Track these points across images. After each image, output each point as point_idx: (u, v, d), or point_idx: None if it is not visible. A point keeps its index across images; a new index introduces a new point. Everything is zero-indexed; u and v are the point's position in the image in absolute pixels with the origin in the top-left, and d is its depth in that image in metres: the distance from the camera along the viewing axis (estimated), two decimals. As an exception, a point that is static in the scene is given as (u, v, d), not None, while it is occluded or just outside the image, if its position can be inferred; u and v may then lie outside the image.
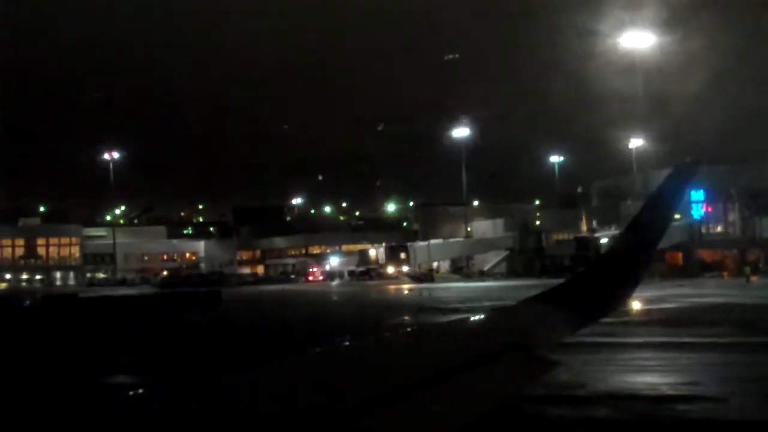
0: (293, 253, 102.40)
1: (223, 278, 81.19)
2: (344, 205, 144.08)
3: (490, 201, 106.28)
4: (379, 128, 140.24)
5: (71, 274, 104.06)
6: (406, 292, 51.24)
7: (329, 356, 2.37)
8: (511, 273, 70.18)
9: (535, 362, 2.70)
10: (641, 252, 3.71)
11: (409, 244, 75.03)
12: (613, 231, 55.42)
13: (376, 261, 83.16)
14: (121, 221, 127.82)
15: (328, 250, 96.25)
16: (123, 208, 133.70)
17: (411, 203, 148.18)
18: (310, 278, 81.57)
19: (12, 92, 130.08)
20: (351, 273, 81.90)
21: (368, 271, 79.81)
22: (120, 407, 1.67)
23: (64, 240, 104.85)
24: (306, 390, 1.91)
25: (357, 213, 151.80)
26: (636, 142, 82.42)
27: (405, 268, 69.46)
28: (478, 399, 2.21)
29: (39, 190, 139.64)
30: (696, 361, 14.99)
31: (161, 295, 41.18)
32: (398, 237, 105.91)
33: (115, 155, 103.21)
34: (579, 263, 47.68)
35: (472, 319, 3.50)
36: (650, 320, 24.51)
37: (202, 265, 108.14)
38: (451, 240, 78.06)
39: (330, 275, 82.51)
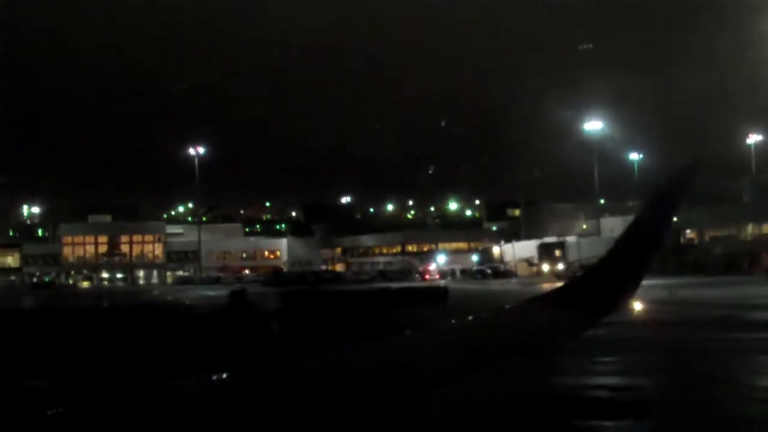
0: (384, 251, 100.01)
1: (337, 276, 79.03)
2: (410, 203, 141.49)
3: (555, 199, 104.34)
4: (443, 124, 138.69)
5: (154, 273, 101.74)
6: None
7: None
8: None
9: (538, 363, 2.76)
10: (643, 252, 3.78)
11: (563, 240, 72.29)
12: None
13: (501, 259, 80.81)
14: (190, 218, 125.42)
15: (425, 248, 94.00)
16: (190, 205, 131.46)
17: (477, 201, 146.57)
18: (426, 276, 79.24)
19: (64, 89, 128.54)
20: (463, 271, 79.56)
21: (483, 270, 77.54)
22: None
23: (148, 237, 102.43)
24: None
25: (412, 212, 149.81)
26: (755, 138, 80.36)
27: (560, 266, 66.96)
28: (478, 400, 2.29)
29: (95, 187, 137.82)
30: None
31: (386, 292, 39.50)
32: (480, 235, 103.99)
33: (201, 150, 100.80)
34: None
35: (475, 319, 3.50)
36: None
37: (283, 266, 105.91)
38: (602, 238, 75.42)
39: (443, 274, 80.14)
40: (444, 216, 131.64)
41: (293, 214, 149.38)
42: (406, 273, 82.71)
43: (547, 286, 49.25)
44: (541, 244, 73.84)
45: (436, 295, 38.13)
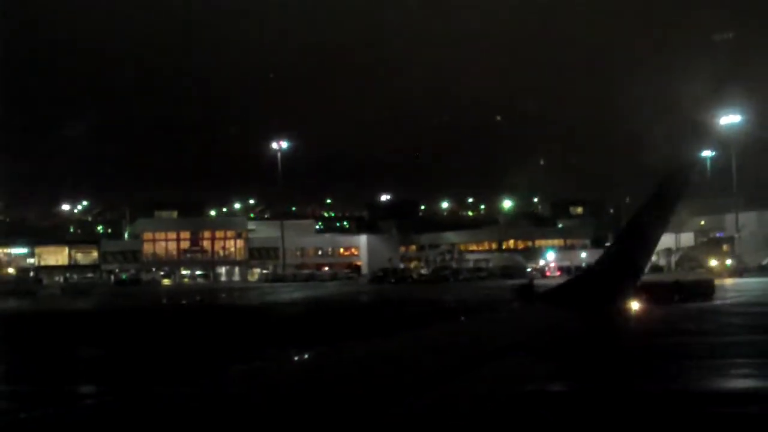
0: (473, 248, 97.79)
1: (453, 273, 76.87)
2: (470, 200, 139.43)
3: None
4: (498, 119, 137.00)
5: (236, 270, 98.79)
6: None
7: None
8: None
9: (534, 360, 2.82)
10: (639, 254, 3.81)
11: (733, 235, 70.32)
12: None
13: None
14: (252, 215, 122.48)
15: (521, 246, 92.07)
16: (252, 201, 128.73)
17: (536, 199, 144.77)
18: (547, 273, 77.26)
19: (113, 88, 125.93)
20: (577, 268, 77.53)
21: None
22: None
23: (230, 233, 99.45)
24: None
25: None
26: None
27: (729, 262, 65.07)
28: (477, 398, 2.34)
29: (145, 184, 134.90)
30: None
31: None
32: (556, 233, 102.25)
33: (284, 145, 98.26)
34: None
35: (475, 318, 3.51)
36: None
37: (359, 263, 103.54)
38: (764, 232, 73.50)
39: (562, 271, 78.09)
40: (506, 213, 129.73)
41: (340, 212, 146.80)
42: (513, 270, 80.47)
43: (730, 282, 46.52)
44: (711, 239, 71.84)
45: (703, 288, 36.70)
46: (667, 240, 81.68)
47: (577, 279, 3.96)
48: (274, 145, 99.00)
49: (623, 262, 3.72)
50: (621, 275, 3.62)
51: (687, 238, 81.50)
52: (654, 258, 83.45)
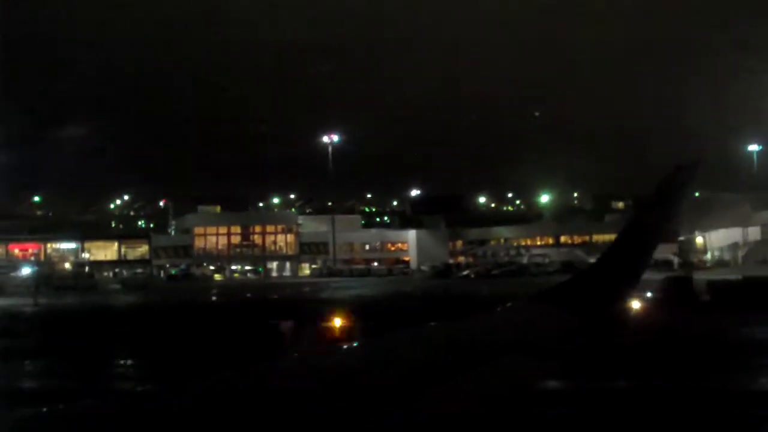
0: (525, 243, 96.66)
1: (522, 269, 75.83)
2: (510, 195, 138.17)
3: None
4: (536, 114, 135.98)
5: (287, 264, 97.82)
6: None
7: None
8: None
9: (533, 360, 2.85)
10: (642, 251, 3.77)
11: None
12: None
13: (704, 249, 78.08)
14: (293, 209, 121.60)
15: (578, 240, 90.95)
16: (292, 196, 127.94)
17: (575, 193, 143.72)
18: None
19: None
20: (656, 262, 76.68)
21: (669, 260, 74.71)
22: None
23: (280, 228, 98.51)
24: None
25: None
26: None
27: None
28: (476, 397, 2.37)
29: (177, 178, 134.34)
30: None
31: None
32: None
33: (335, 138, 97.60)
34: None
35: (475, 317, 3.50)
36: None
37: (407, 258, 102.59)
38: None
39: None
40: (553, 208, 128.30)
41: (378, 207, 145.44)
42: (577, 265, 79.29)
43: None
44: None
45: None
46: (734, 234, 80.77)
47: (576, 279, 3.83)
48: (326, 139, 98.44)
49: (623, 263, 3.61)
50: (620, 276, 3.52)
51: (754, 232, 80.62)
52: (718, 253, 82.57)
